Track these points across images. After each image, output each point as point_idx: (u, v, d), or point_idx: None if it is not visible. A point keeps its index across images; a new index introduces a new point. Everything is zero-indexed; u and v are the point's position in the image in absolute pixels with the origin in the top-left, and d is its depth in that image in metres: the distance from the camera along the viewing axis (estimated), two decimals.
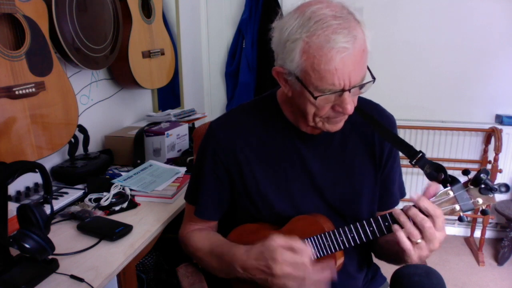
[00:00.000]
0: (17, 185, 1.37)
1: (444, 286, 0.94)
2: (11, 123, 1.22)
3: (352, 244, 0.93)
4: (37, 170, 0.99)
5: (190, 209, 1.11)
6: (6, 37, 1.22)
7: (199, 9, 2.90)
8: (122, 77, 1.89)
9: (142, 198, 1.44)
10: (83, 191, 1.45)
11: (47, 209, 1.03)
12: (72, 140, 1.52)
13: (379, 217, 0.91)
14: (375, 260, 1.16)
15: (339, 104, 0.86)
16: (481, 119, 2.69)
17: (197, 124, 1.99)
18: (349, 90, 0.83)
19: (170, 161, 1.77)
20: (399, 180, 1.11)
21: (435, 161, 0.92)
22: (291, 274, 0.85)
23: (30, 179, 1.40)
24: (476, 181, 0.85)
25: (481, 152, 2.68)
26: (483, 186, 0.85)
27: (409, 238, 0.85)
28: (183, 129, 1.90)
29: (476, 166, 2.71)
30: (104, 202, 1.37)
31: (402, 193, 1.13)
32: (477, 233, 2.71)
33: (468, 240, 2.79)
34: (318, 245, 0.95)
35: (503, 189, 0.85)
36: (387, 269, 1.05)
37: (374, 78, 0.88)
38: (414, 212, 0.85)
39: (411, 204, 0.87)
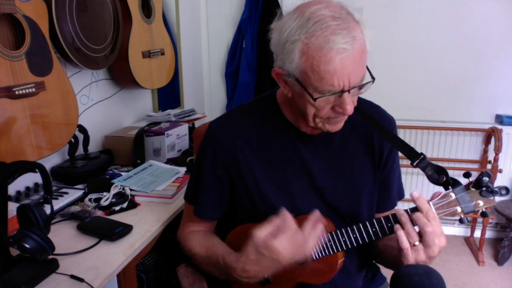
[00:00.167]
0: (17, 185, 1.37)
1: (444, 286, 0.94)
2: (11, 123, 1.22)
3: (355, 244, 0.94)
4: (37, 170, 0.99)
5: (190, 209, 1.11)
6: (6, 37, 1.22)
7: (199, 9, 2.90)
8: (122, 77, 1.89)
9: (142, 198, 1.44)
10: (83, 191, 1.45)
11: (47, 209, 1.03)
12: (72, 140, 1.52)
13: (381, 218, 0.92)
14: None
15: (338, 104, 0.86)
16: (481, 119, 2.69)
17: (197, 124, 1.99)
18: (349, 91, 0.83)
19: (170, 161, 1.77)
20: (398, 181, 1.11)
21: (435, 162, 0.92)
22: (295, 247, 0.85)
23: (30, 179, 1.40)
24: (477, 184, 0.86)
25: (481, 152, 2.68)
26: (484, 188, 0.85)
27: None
28: (183, 129, 1.90)
29: (476, 166, 2.71)
30: (104, 202, 1.37)
31: (401, 195, 1.13)
32: (477, 233, 2.71)
33: (468, 240, 2.79)
34: (320, 245, 0.95)
35: (503, 192, 0.85)
36: (387, 269, 1.06)
37: (373, 78, 0.88)
38: (417, 215, 0.86)
39: (410, 203, 0.88)
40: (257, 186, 1.01)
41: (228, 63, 2.95)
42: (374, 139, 1.04)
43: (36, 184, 1.42)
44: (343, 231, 0.94)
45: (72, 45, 1.47)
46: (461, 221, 0.89)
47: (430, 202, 0.88)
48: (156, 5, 2.00)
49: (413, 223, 0.87)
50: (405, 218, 0.87)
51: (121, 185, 1.46)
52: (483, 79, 2.62)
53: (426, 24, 2.62)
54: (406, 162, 0.97)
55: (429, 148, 2.74)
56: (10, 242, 0.94)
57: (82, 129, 1.62)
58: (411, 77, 2.72)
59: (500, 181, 2.66)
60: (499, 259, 2.54)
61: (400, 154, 1.02)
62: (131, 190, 1.46)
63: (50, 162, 1.55)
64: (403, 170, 1.13)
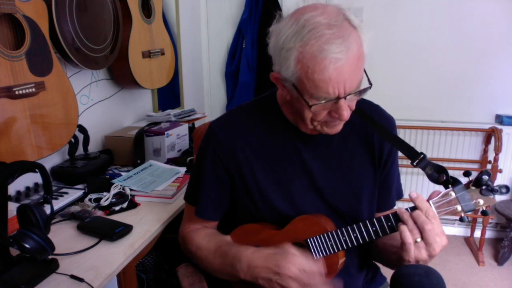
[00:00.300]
0: (17, 185, 1.37)
1: (444, 286, 0.94)
2: (11, 123, 1.22)
3: (355, 244, 0.94)
4: (37, 170, 0.99)
5: (190, 210, 1.11)
6: (6, 37, 1.22)
7: (199, 9, 2.90)
8: (122, 77, 1.89)
9: (142, 198, 1.44)
10: (83, 191, 1.45)
11: (47, 209, 1.03)
12: (72, 140, 1.52)
13: (382, 217, 0.92)
14: None
15: (335, 110, 0.86)
16: (481, 119, 2.69)
17: (197, 124, 1.98)
18: (345, 97, 0.83)
19: (170, 161, 1.77)
20: (397, 181, 1.11)
21: (435, 162, 0.93)
22: (299, 278, 0.85)
23: (30, 179, 1.40)
24: (477, 183, 0.86)
25: (481, 152, 2.68)
26: (484, 187, 0.86)
27: None
28: (183, 129, 1.90)
29: (476, 166, 2.71)
30: (104, 202, 1.37)
31: (400, 195, 1.13)
32: (477, 233, 2.71)
33: (468, 240, 2.79)
34: (321, 245, 0.95)
35: (503, 190, 0.86)
36: (387, 269, 1.06)
37: (371, 84, 0.88)
38: (417, 213, 0.86)
39: (409, 203, 0.88)
40: (257, 186, 1.01)
41: (228, 63, 2.95)
42: (374, 139, 1.04)
43: (36, 184, 1.42)
44: (344, 230, 0.94)
45: (72, 45, 1.47)
46: (461, 219, 0.89)
47: (430, 201, 0.88)
48: (156, 5, 2.00)
49: (414, 221, 0.87)
50: (406, 216, 0.87)
51: (121, 185, 1.46)
52: (483, 79, 2.62)
53: (426, 24, 2.62)
54: (406, 162, 0.97)
55: (429, 148, 2.74)
56: (10, 242, 0.94)
57: (82, 129, 1.62)
58: (411, 77, 2.72)
59: (500, 181, 2.65)
60: (499, 259, 2.54)
61: (400, 154, 1.03)
62: (131, 190, 1.46)
63: (50, 162, 1.55)
64: (403, 170, 1.14)
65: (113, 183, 1.46)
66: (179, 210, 1.38)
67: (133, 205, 1.39)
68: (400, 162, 1.11)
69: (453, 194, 0.88)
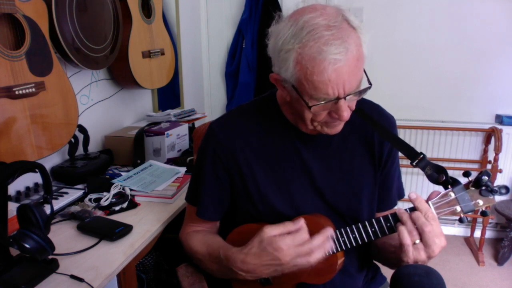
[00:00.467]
0: (17, 185, 1.37)
1: (444, 286, 0.94)
2: (11, 123, 1.22)
3: (354, 244, 0.94)
4: (37, 170, 0.99)
5: (191, 210, 1.11)
6: (6, 37, 1.22)
7: (199, 9, 2.90)
8: (122, 77, 1.89)
9: (142, 198, 1.44)
10: (83, 191, 1.45)
11: (47, 209, 1.03)
12: (72, 140, 1.52)
13: (381, 217, 0.92)
14: None
15: (335, 111, 0.86)
16: (481, 119, 2.69)
17: (197, 124, 1.98)
18: (345, 98, 0.83)
19: (170, 161, 1.77)
20: (397, 181, 1.11)
21: (435, 162, 0.93)
22: (299, 254, 0.86)
23: (30, 179, 1.40)
24: (477, 183, 0.86)
25: (481, 152, 2.68)
26: (484, 188, 0.85)
27: None
28: (183, 129, 1.90)
29: (476, 166, 2.71)
30: (104, 202, 1.37)
31: (401, 194, 1.13)
32: (477, 233, 2.71)
33: (468, 240, 2.79)
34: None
35: (503, 191, 0.85)
36: (387, 269, 1.06)
37: (370, 84, 0.88)
38: (417, 215, 0.86)
39: (410, 204, 0.88)
40: (257, 186, 1.01)
41: (228, 63, 2.95)
42: (374, 139, 1.04)
43: (36, 184, 1.42)
44: (343, 231, 0.94)
45: (72, 45, 1.47)
46: (461, 220, 0.89)
47: (430, 202, 0.88)
48: (156, 5, 2.00)
49: (413, 222, 0.87)
50: (405, 217, 0.87)
51: (121, 185, 1.46)
52: (483, 79, 2.62)
53: (426, 24, 2.62)
54: (406, 162, 0.97)
55: (429, 148, 2.74)
56: (10, 242, 0.94)
57: (82, 129, 1.62)
58: (411, 77, 2.72)
59: (500, 181, 2.65)
60: (499, 259, 2.54)
61: (400, 154, 1.03)
62: (131, 190, 1.46)
63: (50, 162, 1.55)
64: (403, 170, 1.13)
65: (113, 183, 1.46)
66: (179, 210, 1.38)
67: (133, 205, 1.39)
68: (400, 162, 1.11)
69: (452, 194, 0.88)
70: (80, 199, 1.41)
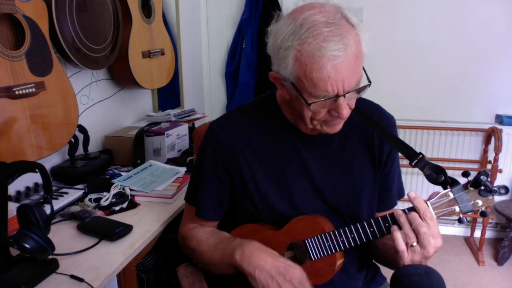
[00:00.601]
0: (17, 185, 1.37)
1: (444, 286, 0.94)
2: (11, 123, 1.22)
3: (353, 244, 0.94)
4: (37, 170, 0.99)
5: (190, 210, 1.11)
6: (6, 37, 1.22)
7: (199, 9, 2.90)
8: (122, 77, 1.89)
9: (142, 198, 1.44)
10: (83, 191, 1.45)
11: (47, 209, 1.03)
12: (72, 140, 1.52)
13: (379, 218, 0.92)
14: None
15: (334, 109, 0.86)
16: (481, 119, 2.69)
17: (197, 124, 1.99)
18: (344, 95, 0.83)
19: (170, 161, 1.77)
20: (398, 181, 1.11)
21: (435, 162, 0.92)
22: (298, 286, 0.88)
23: (30, 179, 1.40)
24: (476, 183, 0.85)
25: (481, 152, 2.68)
26: (483, 188, 0.85)
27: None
28: (183, 129, 1.90)
29: (476, 166, 2.71)
30: (104, 202, 1.37)
31: (401, 194, 1.13)
32: (477, 233, 2.71)
33: (468, 240, 2.79)
34: (319, 246, 0.95)
35: (502, 191, 0.85)
36: (387, 269, 1.06)
37: (370, 82, 0.88)
38: (413, 216, 0.86)
39: (409, 203, 0.88)
40: (257, 187, 1.01)
41: (228, 63, 2.95)
42: (374, 138, 1.04)
43: (36, 184, 1.42)
44: (341, 231, 0.94)
45: (72, 45, 1.47)
46: (460, 220, 0.89)
47: (428, 202, 0.88)
48: (156, 5, 2.00)
49: (410, 223, 0.87)
50: (403, 219, 0.87)
51: (121, 185, 1.46)
52: (483, 79, 2.62)
53: (426, 24, 2.62)
54: (406, 162, 0.97)
55: (429, 148, 2.74)
56: (10, 242, 0.94)
57: (82, 129, 1.62)
58: (411, 77, 2.72)
59: (500, 181, 2.65)
60: (499, 259, 2.54)
61: (399, 154, 1.03)
62: (131, 190, 1.46)
63: (50, 162, 1.55)
64: (402, 170, 1.13)
65: (113, 183, 1.46)
66: (179, 210, 1.38)
67: (133, 205, 1.39)
68: (400, 162, 1.11)
69: (451, 194, 0.87)
70: (80, 199, 1.41)
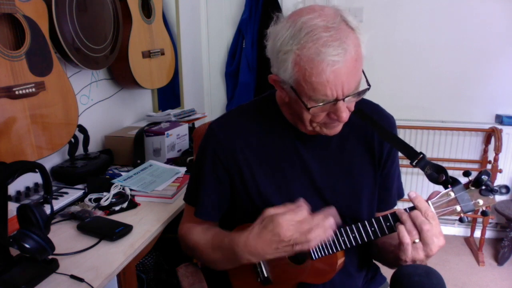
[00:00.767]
0: (17, 185, 1.37)
1: (444, 286, 0.94)
2: (11, 123, 1.22)
3: (354, 244, 0.94)
4: (37, 170, 0.99)
5: (190, 210, 1.11)
6: (6, 37, 1.22)
7: (199, 9, 2.90)
8: (122, 77, 1.89)
9: (142, 198, 1.44)
10: (83, 191, 1.45)
11: (47, 209, 1.03)
12: (72, 140, 1.52)
13: (380, 217, 0.92)
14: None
15: (333, 112, 0.86)
16: (481, 119, 2.69)
17: (197, 124, 1.99)
18: (343, 99, 0.83)
19: (170, 161, 1.77)
20: (397, 181, 1.11)
21: (435, 162, 0.92)
22: (299, 230, 0.85)
23: (30, 179, 1.40)
24: (477, 183, 0.85)
25: (481, 152, 2.68)
26: (484, 187, 0.85)
27: None
28: (183, 129, 1.90)
29: (476, 166, 2.71)
30: (104, 202, 1.37)
31: (400, 194, 1.13)
32: (477, 233, 2.71)
33: (468, 240, 2.79)
34: (319, 245, 0.95)
35: (503, 190, 0.85)
36: (387, 269, 1.06)
37: (369, 86, 0.88)
38: (416, 213, 0.86)
39: (410, 203, 0.88)
40: (257, 187, 1.01)
41: (228, 63, 2.95)
42: (374, 138, 1.04)
43: (36, 184, 1.42)
44: (342, 230, 0.94)
45: (72, 45, 1.47)
46: (461, 220, 0.89)
47: (429, 201, 0.88)
48: (156, 5, 2.00)
49: (412, 221, 0.87)
50: (405, 216, 0.87)
51: (121, 185, 1.46)
52: (483, 79, 2.62)
53: (426, 24, 2.62)
54: (406, 162, 0.97)
55: (429, 148, 2.75)
56: (10, 242, 0.94)
57: (82, 129, 1.62)
58: (411, 77, 2.72)
59: (500, 181, 2.65)
60: (499, 259, 2.54)
61: (400, 153, 1.03)
62: (131, 190, 1.46)
63: (50, 162, 1.55)
64: (402, 170, 1.13)
65: (113, 183, 1.46)
66: (179, 210, 1.38)
67: (133, 205, 1.39)
68: (400, 162, 1.11)
69: (452, 194, 0.87)
70: (80, 199, 1.41)
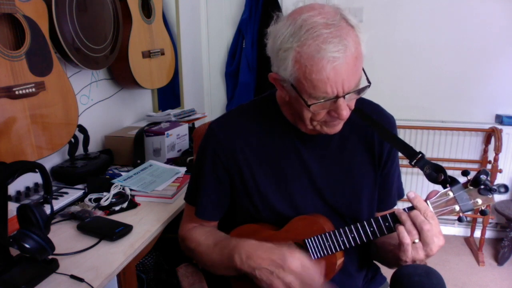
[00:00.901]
0: (17, 185, 1.38)
1: (444, 286, 0.94)
2: (11, 123, 1.22)
3: (353, 244, 0.94)
4: (37, 170, 0.99)
5: (190, 210, 1.11)
6: (6, 37, 1.22)
7: (199, 9, 2.90)
8: (122, 77, 1.89)
9: (142, 198, 1.44)
10: (83, 191, 1.45)
11: (47, 209, 1.03)
12: (72, 140, 1.53)
13: (379, 217, 0.92)
14: None
15: (334, 110, 0.86)
16: (481, 119, 2.69)
17: (197, 124, 1.99)
18: (344, 97, 0.83)
19: (170, 161, 1.77)
20: (397, 181, 1.11)
21: (435, 162, 0.93)
22: (300, 274, 0.85)
23: (30, 179, 1.40)
24: (475, 182, 0.85)
25: (481, 152, 2.68)
26: (482, 186, 0.85)
27: None
28: (183, 129, 1.90)
29: (476, 166, 2.71)
30: (104, 202, 1.37)
31: (400, 194, 1.13)
32: (477, 233, 2.71)
33: (468, 240, 2.79)
34: (319, 245, 0.95)
35: (502, 189, 0.85)
36: (387, 269, 1.06)
37: (369, 83, 0.88)
38: (415, 213, 0.86)
39: (409, 203, 0.88)
40: (257, 187, 1.01)
41: (228, 63, 2.95)
42: (374, 138, 1.04)
43: (36, 184, 1.42)
44: (341, 231, 0.94)
45: (72, 45, 1.47)
46: (460, 219, 0.89)
47: (428, 201, 0.88)
48: (156, 5, 2.00)
49: (412, 221, 0.87)
50: (405, 216, 0.87)
51: (121, 185, 1.46)
52: (483, 79, 2.62)
53: (426, 24, 2.62)
54: (406, 161, 0.97)
55: (429, 148, 2.75)
56: (10, 242, 0.94)
57: (82, 129, 1.62)
58: (411, 77, 2.72)
59: (500, 181, 2.65)
60: (499, 259, 2.54)
61: (399, 153, 1.03)
62: (131, 190, 1.46)
63: (50, 162, 1.55)
64: (402, 169, 1.13)
65: (113, 183, 1.46)
66: (179, 210, 1.38)
67: (133, 205, 1.39)
68: (399, 162, 1.11)
69: (451, 193, 0.87)
70: (80, 199, 1.41)
